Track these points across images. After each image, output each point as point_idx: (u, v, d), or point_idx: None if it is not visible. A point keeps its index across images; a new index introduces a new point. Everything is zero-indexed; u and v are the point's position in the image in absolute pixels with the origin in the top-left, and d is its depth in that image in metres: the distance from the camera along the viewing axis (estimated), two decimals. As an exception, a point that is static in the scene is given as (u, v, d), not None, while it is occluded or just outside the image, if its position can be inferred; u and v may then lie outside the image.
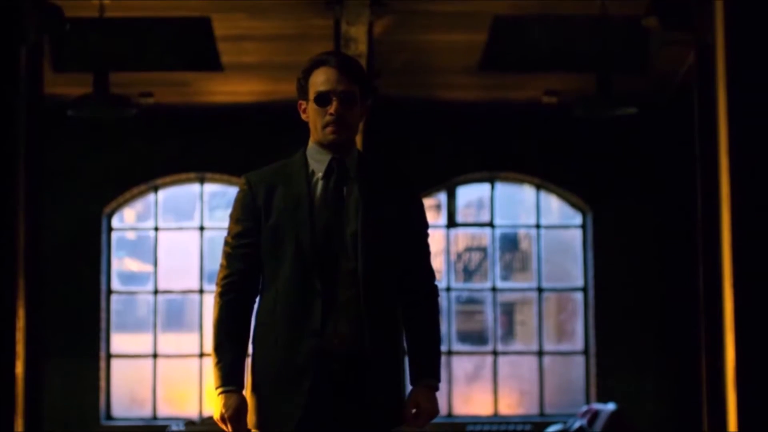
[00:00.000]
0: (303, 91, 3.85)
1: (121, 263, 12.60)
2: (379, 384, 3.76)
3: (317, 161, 3.83)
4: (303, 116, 3.89)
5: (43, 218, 7.55)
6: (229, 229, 3.87)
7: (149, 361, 12.28)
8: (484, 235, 12.57)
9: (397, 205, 3.85)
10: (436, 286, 3.96)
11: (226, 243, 3.87)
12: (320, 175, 3.81)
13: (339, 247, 3.77)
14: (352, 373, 3.73)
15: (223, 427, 3.80)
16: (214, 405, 3.82)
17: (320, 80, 3.79)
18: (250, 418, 3.81)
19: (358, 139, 11.14)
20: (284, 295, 3.77)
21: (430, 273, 3.94)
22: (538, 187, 12.47)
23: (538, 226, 12.52)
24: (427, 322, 3.89)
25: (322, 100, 3.78)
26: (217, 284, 3.88)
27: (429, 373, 3.86)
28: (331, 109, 3.77)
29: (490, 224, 12.52)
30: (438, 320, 3.94)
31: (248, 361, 3.94)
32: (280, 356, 3.77)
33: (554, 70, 10.76)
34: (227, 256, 3.85)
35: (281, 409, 3.75)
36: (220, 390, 3.83)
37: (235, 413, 3.78)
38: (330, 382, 3.72)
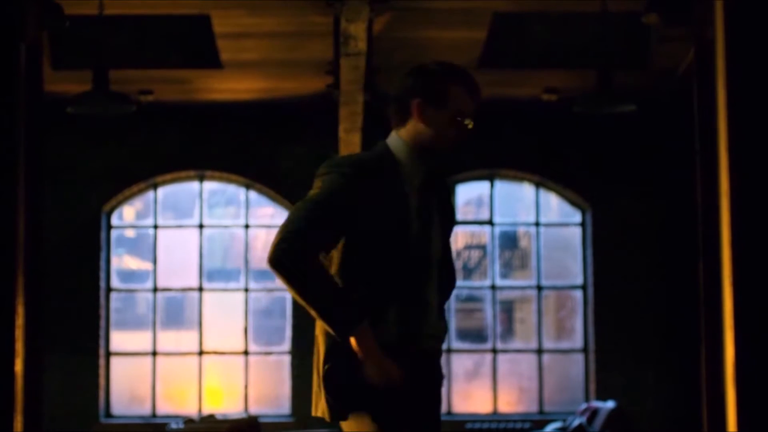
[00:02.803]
0: (437, 94, 3.84)
1: (121, 261, 12.60)
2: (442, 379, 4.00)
3: (411, 167, 3.87)
4: (415, 113, 3.86)
5: (43, 216, 7.54)
6: (320, 202, 3.74)
7: (149, 359, 12.28)
8: (484, 233, 12.57)
9: (453, 213, 4.07)
10: None
11: (313, 214, 3.72)
12: (415, 183, 3.87)
13: (430, 255, 3.86)
14: (436, 372, 3.93)
15: (385, 373, 3.73)
16: (356, 347, 3.66)
17: (467, 97, 3.84)
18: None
19: (358, 138, 11.15)
20: (383, 300, 3.78)
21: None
22: (538, 185, 12.47)
23: (537, 224, 12.52)
24: None
25: (465, 116, 3.84)
26: (290, 250, 3.66)
27: None
28: (470, 125, 3.86)
29: (490, 222, 12.52)
30: None
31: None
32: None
33: (554, 67, 10.76)
34: (311, 224, 3.70)
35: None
36: (353, 327, 3.69)
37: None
38: (425, 379, 3.86)
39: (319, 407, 3.82)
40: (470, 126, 3.84)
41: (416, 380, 3.78)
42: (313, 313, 3.70)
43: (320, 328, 3.81)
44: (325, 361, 3.76)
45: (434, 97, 3.82)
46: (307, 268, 3.65)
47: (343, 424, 3.79)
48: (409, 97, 3.84)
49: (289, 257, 3.64)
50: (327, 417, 3.78)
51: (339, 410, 3.75)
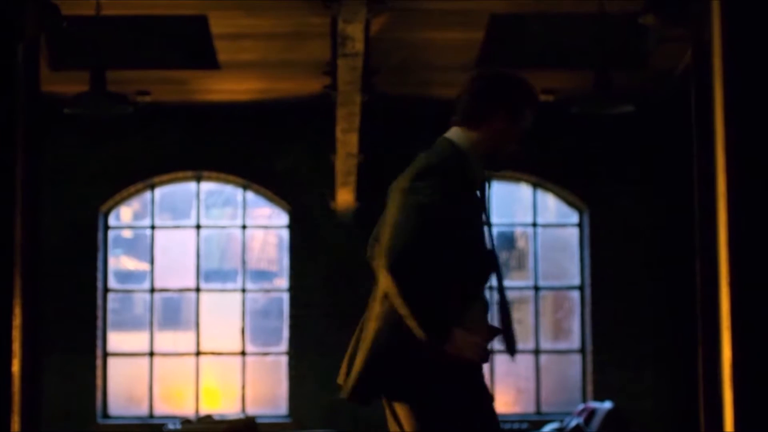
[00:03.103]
0: (517, 111, 4.06)
1: (118, 261, 12.59)
2: None
3: (475, 171, 4.05)
4: (496, 122, 4.05)
5: (40, 216, 7.54)
6: (430, 209, 3.85)
7: (146, 360, 12.27)
8: (481, 234, 12.56)
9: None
10: None
11: (424, 221, 3.82)
12: (478, 183, 4.06)
13: (490, 256, 4.07)
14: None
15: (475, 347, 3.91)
16: (456, 347, 3.84)
17: (530, 117, 4.10)
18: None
19: (355, 138, 11.13)
20: (466, 299, 3.95)
21: None
22: (535, 186, 12.47)
23: (534, 225, 12.52)
24: None
25: (524, 132, 4.12)
26: (408, 258, 3.80)
27: None
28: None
29: (487, 223, 12.50)
30: None
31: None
32: None
33: (551, 68, 10.75)
34: (425, 232, 3.82)
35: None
36: (447, 339, 3.84)
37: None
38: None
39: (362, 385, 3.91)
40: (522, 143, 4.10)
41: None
42: (410, 321, 3.79)
43: (376, 312, 3.92)
44: (391, 346, 3.88)
45: (514, 113, 4.06)
46: (421, 277, 3.79)
47: (399, 407, 3.91)
48: (494, 106, 4.04)
49: (408, 265, 3.77)
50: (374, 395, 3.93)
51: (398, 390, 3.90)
